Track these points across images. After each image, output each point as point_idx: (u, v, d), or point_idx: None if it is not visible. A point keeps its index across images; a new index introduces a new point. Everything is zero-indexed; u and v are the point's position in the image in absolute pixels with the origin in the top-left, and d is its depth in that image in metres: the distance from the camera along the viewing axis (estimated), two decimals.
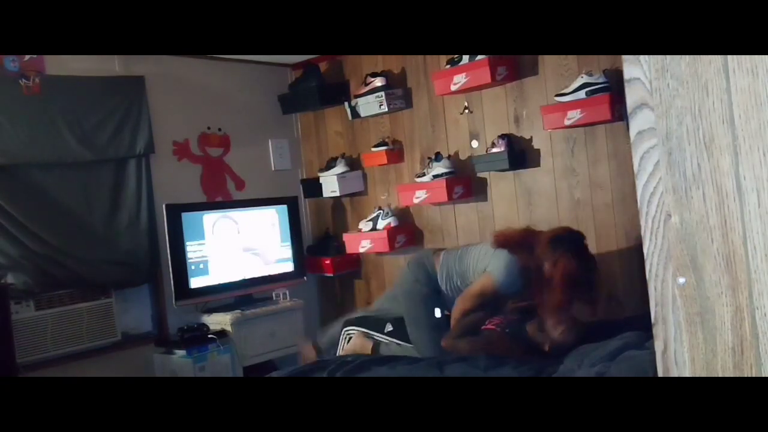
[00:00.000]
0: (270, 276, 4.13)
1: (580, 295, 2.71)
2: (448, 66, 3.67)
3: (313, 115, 4.64)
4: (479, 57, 3.51)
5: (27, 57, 3.40)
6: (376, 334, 3.35)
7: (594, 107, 3.16)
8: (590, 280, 2.74)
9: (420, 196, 3.85)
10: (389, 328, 3.38)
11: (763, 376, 0.61)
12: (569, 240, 2.74)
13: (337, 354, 3.57)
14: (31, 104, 3.41)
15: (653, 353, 0.69)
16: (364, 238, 4.12)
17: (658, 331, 0.68)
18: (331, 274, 4.44)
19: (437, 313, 3.01)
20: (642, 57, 0.66)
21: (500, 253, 2.82)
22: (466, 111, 3.84)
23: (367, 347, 3.31)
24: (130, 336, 3.82)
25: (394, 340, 3.28)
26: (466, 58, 3.59)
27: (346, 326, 3.68)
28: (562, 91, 3.29)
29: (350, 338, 3.53)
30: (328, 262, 4.39)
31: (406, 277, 3.21)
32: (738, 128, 0.61)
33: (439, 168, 3.79)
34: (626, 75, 0.68)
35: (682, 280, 0.65)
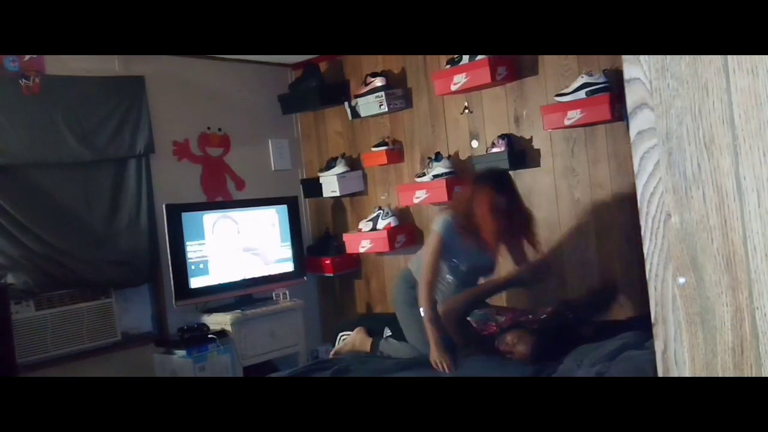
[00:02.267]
0: (270, 276, 4.13)
1: (513, 230, 2.95)
2: (448, 66, 3.67)
3: (313, 115, 4.64)
4: (479, 57, 3.51)
5: (27, 57, 3.40)
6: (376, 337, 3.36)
7: (594, 107, 3.16)
8: (519, 214, 2.96)
9: (420, 196, 3.85)
10: (388, 332, 3.38)
11: (763, 376, 0.61)
12: (489, 177, 3.00)
13: (332, 351, 3.57)
14: (31, 104, 3.41)
15: (653, 353, 0.69)
16: (364, 238, 4.12)
17: (658, 331, 0.68)
18: (331, 274, 4.44)
19: (423, 312, 3.02)
20: (642, 57, 0.66)
21: (441, 212, 3.07)
22: (466, 111, 3.84)
23: (366, 344, 3.31)
24: (130, 336, 3.82)
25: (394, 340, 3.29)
26: (466, 58, 3.59)
27: (340, 332, 3.69)
28: (562, 91, 3.29)
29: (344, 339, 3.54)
30: (328, 262, 4.39)
31: (395, 288, 3.27)
32: (738, 128, 0.61)
33: (439, 168, 3.79)
34: (626, 75, 0.68)
35: (682, 280, 0.65)
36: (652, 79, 0.66)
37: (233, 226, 4.02)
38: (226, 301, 3.96)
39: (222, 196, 4.27)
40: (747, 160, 0.60)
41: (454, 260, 2.99)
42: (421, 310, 2.94)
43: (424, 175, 3.86)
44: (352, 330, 3.59)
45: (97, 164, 3.68)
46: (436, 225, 3.02)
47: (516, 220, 2.94)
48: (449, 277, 3.03)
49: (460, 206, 2.97)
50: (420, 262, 3.09)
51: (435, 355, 2.82)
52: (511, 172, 3.63)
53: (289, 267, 4.24)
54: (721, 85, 0.62)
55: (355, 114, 4.23)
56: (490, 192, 2.86)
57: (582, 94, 3.20)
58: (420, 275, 3.01)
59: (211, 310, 3.89)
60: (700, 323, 0.65)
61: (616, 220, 3.33)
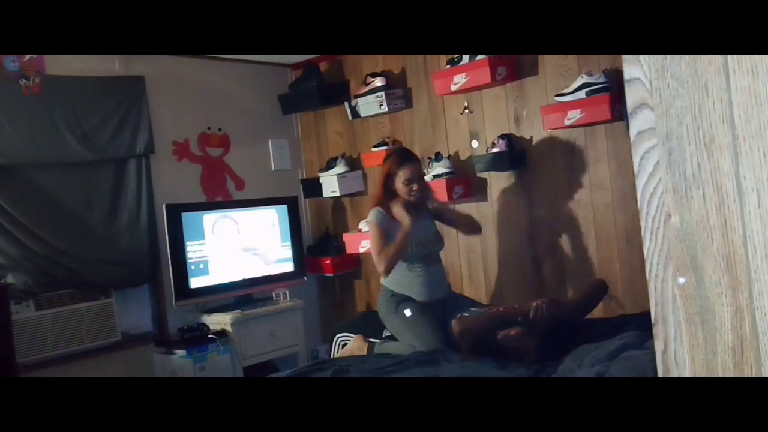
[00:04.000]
0: (270, 276, 4.13)
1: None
2: (448, 66, 3.67)
3: (313, 115, 4.64)
4: (479, 57, 3.51)
5: (27, 57, 3.40)
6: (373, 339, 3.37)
7: (594, 107, 3.16)
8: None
9: None
10: (387, 332, 3.38)
11: (763, 376, 0.61)
12: (395, 153, 3.35)
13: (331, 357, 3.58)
14: (31, 104, 3.41)
15: (653, 353, 0.69)
16: (364, 238, 4.12)
17: (658, 331, 0.68)
18: (331, 274, 4.44)
19: (407, 312, 3.10)
20: (642, 57, 0.66)
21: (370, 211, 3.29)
22: (466, 111, 3.84)
23: (363, 349, 3.32)
24: (130, 336, 3.83)
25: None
26: (466, 58, 3.59)
27: (337, 333, 3.70)
28: (562, 91, 3.29)
29: (344, 344, 3.54)
30: (328, 262, 4.39)
31: (379, 305, 3.30)
32: (738, 128, 0.61)
33: (439, 168, 3.79)
34: (626, 75, 0.68)
35: (682, 280, 0.65)
36: (652, 79, 0.66)
37: (233, 226, 4.02)
38: (226, 301, 3.96)
39: (222, 196, 4.27)
40: (747, 160, 0.60)
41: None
42: (384, 280, 3.18)
43: (424, 175, 3.86)
44: (349, 331, 3.59)
45: (97, 164, 3.68)
46: (369, 217, 3.23)
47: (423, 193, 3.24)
48: (403, 259, 3.17)
49: (378, 186, 3.27)
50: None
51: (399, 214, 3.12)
52: (511, 173, 3.66)
53: (289, 267, 4.24)
54: (721, 85, 0.62)
55: (355, 114, 4.23)
56: (397, 162, 3.18)
57: (582, 94, 3.20)
58: (391, 283, 3.19)
59: (211, 310, 3.89)
60: (700, 323, 0.65)
61: (616, 220, 3.33)
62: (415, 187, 3.16)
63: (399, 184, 3.16)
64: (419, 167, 3.25)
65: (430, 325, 3.05)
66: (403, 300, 3.14)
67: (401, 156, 3.23)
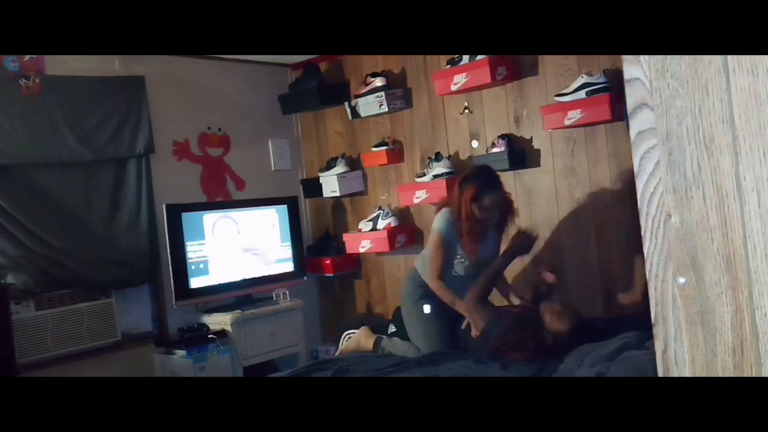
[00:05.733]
0: (270, 276, 4.13)
1: (492, 221, 3.08)
2: (448, 66, 3.67)
3: (313, 115, 4.64)
4: (479, 57, 3.51)
5: (27, 57, 3.40)
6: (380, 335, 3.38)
7: (594, 107, 3.16)
8: (500, 208, 3.07)
9: (420, 196, 3.85)
10: (392, 329, 3.39)
11: (763, 376, 0.61)
12: (475, 176, 3.06)
13: (337, 351, 3.60)
14: (31, 104, 3.41)
15: (653, 353, 0.69)
16: (364, 238, 4.12)
17: (658, 331, 0.68)
18: (331, 274, 4.44)
19: (426, 309, 3.10)
20: (642, 57, 0.66)
21: (441, 212, 3.13)
22: (466, 111, 3.84)
23: (370, 341, 3.33)
24: (130, 336, 3.82)
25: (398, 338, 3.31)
26: (466, 58, 3.59)
27: (345, 331, 3.71)
28: (562, 91, 3.29)
29: (349, 338, 3.56)
30: (328, 262, 4.39)
31: (404, 286, 3.31)
32: (738, 128, 0.61)
33: (439, 168, 3.79)
34: (626, 75, 0.68)
35: (682, 280, 0.65)
36: (652, 79, 0.66)
37: (233, 226, 4.02)
38: (226, 301, 3.96)
39: (222, 196, 4.27)
40: (747, 160, 0.60)
41: (459, 255, 3.08)
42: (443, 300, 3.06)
43: (424, 175, 3.86)
44: (356, 328, 3.60)
45: (97, 164, 3.68)
46: (435, 223, 3.11)
47: (503, 213, 3.12)
48: (457, 272, 3.11)
49: (454, 205, 3.06)
50: (424, 260, 3.17)
51: (461, 308, 2.99)
52: (511, 173, 3.66)
53: (289, 267, 4.24)
54: (721, 85, 0.62)
55: (355, 114, 4.23)
56: (476, 191, 2.97)
57: (582, 94, 3.20)
58: (425, 273, 3.12)
59: (211, 310, 3.89)
60: (700, 323, 0.65)
61: (616, 220, 3.33)
62: (496, 213, 3.04)
63: (478, 209, 2.99)
64: (502, 192, 3.07)
65: (442, 330, 3.06)
66: (428, 295, 3.11)
67: (484, 183, 3.00)
